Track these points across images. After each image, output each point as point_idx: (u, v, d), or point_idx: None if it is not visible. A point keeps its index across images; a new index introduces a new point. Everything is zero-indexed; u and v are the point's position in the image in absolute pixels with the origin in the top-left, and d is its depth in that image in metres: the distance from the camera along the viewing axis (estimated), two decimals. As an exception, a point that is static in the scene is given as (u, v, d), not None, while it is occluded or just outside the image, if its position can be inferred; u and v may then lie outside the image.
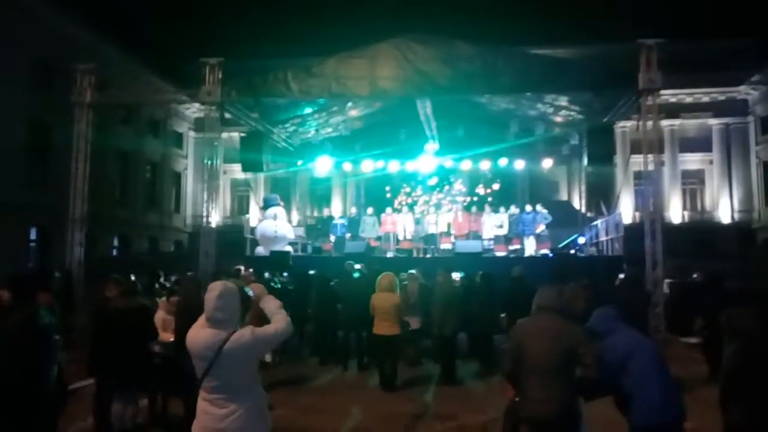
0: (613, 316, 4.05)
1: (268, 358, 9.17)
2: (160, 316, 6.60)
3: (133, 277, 7.22)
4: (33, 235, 22.50)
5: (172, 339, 6.19)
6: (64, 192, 15.87)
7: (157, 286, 8.90)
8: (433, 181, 19.56)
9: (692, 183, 30.87)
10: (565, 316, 4.00)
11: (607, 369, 3.79)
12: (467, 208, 18.42)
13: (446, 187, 19.68)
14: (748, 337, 3.84)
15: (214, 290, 3.35)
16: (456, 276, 11.07)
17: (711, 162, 30.47)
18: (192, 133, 34.06)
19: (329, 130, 19.22)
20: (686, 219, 30.26)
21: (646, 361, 3.77)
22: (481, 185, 19.62)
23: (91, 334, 6.18)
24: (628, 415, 3.77)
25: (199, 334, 3.34)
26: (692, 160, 30.57)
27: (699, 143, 30.20)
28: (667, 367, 3.92)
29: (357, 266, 10.93)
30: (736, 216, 29.89)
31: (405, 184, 20.07)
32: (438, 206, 18.98)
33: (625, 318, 4.08)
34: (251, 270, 10.18)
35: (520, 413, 3.98)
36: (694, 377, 8.81)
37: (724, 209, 30.00)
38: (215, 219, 15.72)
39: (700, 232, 28.31)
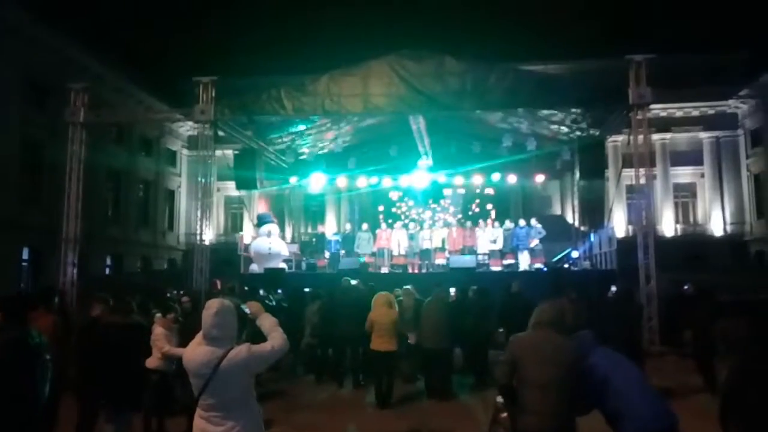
0: (589, 339, 4.12)
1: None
2: (159, 332, 6.56)
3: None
4: (25, 255, 22.35)
5: (176, 351, 6.10)
6: (57, 211, 15.84)
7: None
8: (424, 202, 19.65)
9: (684, 196, 31.06)
10: (562, 332, 4.07)
11: (588, 390, 3.86)
12: (461, 224, 18.45)
13: (441, 203, 19.73)
14: (744, 351, 3.87)
15: (212, 308, 3.35)
16: (451, 291, 11.09)
17: (702, 175, 30.67)
18: (185, 151, 34.07)
19: (323, 146, 19.30)
20: (679, 232, 30.41)
21: (626, 378, 3.83)
22: (476, 202, 19.64)
23: (77, 354, 6.10)
24: (619, 431, 3.80)
25: (196, 351, 3.33)
26: (684, 174, 30.78)
27: (690, 157, 30.42)
28: (648, 380, 3.96)
29: (353, 282, 10.93)
30: (728, 228, 30.06)
31: (399, 199, 20.11)
32: (433, 221, 19.01)
33: (602, 340, 4.15)
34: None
35: (515, 426, 3.99)
36: (685, 389, 8.83)
37: (716, 222, 30.18)
38: (209, 237, 15.71)
39: (693, 245, 28.42)
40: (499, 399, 4.37)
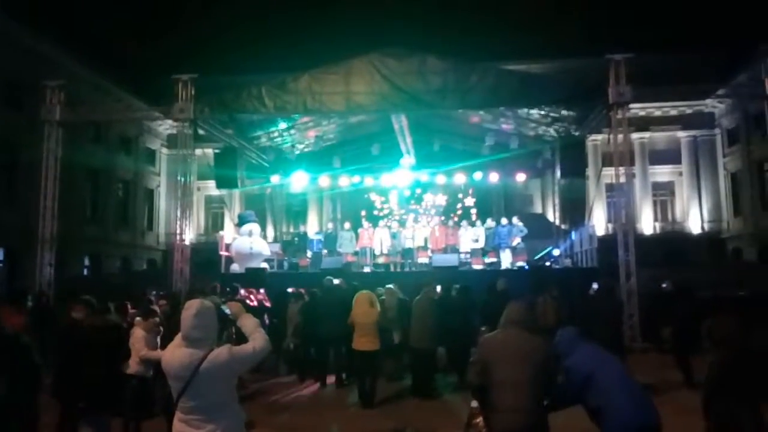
0: (574, 336, 4.15)
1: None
2: (138, 335, 6.41)
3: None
4: (0, 256, 21.91)
5: (153, 355, 6.00)
6: (33, 211, 15.56)
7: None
8: (409, 193, 19.61)
9: (662, 194, 31.43)
10: (532, 331, 4.10)
11: (572, 387, 3.90)
12: (444, 223, 18.46)
13: (423, 203, 19.70)
14: (730, 345, 3.93)
15: (191, 308, 3.28)
16: (438, 289, 11.09)
17: (680, 174, 31.08)
18: (165, 150, 33.67)
19: (305, 145, 19.21)
20: (657, 230, 30.77)
21: (610, 375, 3.86)
22: (459, 201, 19.64)
23: (57, 356, 5.99)
24: (602, 427, 3.83)
25: (175, 353, 3.26)
26: (662, 172, 31.15)
27: (668, 155, 30.80)
28: (632, 377, 4.00)
29: (336, 281, 10.86)
30: (706, 226, 30.50)
31: (381, 198, 20.06)
32: (415, 220, 18.99)
33: (586, 336, 4.19)
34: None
35: (489, 426, 3.99)
36: (666, 384, 8.93)
37: (694, 220, 30.60)
38: (189, 236, 15.54)
39: (672, 243, 28.78)
40: (474, 404, 4.40)
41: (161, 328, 6.84)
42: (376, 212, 19.53)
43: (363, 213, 19.57)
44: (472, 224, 17.78)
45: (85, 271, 26.80)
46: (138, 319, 6.80)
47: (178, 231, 15.05)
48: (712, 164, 30.67)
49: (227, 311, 3.62)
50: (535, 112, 15.89)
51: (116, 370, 5.85)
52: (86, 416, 5.70)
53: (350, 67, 13.90)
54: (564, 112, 15.34)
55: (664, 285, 11.67)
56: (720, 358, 3.94)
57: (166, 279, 14.75)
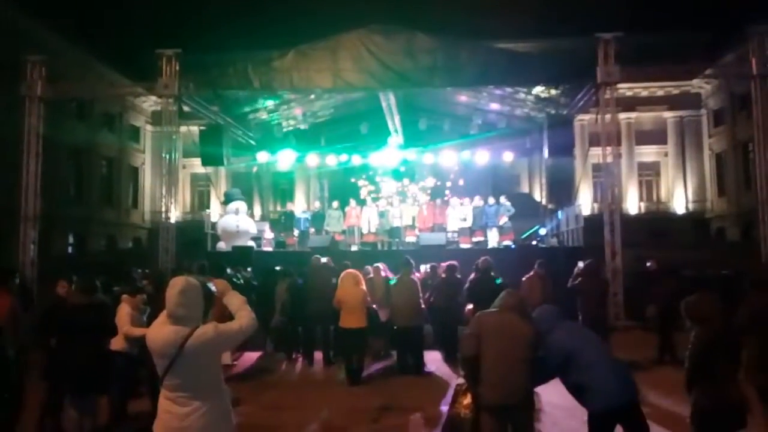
0: (553, 314, 4.31)
1: (227, 359, 8.98)
2: (124, 312, 6.33)
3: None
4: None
5: (136, 332, 5.94)
6: (15, 189, 15.33)
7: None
8: (394, 180, 19.56)
9: (648, 174, 31.66)
10: (524, 316, 4.34)
11: (553, 364, 4.04)
12: (431, 202, 18.44)
13: (411, 181, 19.65)
14: (708, 323, 4.01)
15: (176, 286, 3.24)
16: (426, 267, 11.12)
17: (666, 154, 31.29)
18: (149, 127, 33.24)
19: (292, 123, 19.04)
20: (643, 210, 31.04)
21: (591, 352, 3.97)
22: (447, 180, 19.62)
23: (41, 336, 5.91)
24: (584, 404, 3.91)
25: (161, 331, 3.23)
26: (648, 153, 31.33)
27: (654, 136, 30.96)
28: (612, 354, 4.10)
29: (323, 260, 10.83)
30: (691, 206, 30.81)
31: (369, 177, 19.98)
32: (403, 200, 18.95)
33: (566, 314, 4.39)
34: None
35: (478, 400, 4.19)
36: (649, 362, 9.10)
37: (679, 200, 30.88)
38: (175, 215, 15.43)
39: (657, 222, 29.06)
40: (460, 381, 4.53)
41: (146, 305, 6.79)
42: (363, 195, 19.44)
43: (351, 189, 19.51)
44: (460, 203, 17.78)
45: (70, 250, 26.56)
46: (125, 296, 6.74)
47: (163, 209, 14.92)
48: (698, 145, 30.91)
49: (213, 289, 3.58)
50: (524, 92, 15.82)
51: (102, 350, 5.80)
52: (72, 397, 5.64)
53: (337, 43, 13.72)
54: (553, 92, 15.29)
55: (648, 264, 11.76)
56: (701, 336, 4.02)
57: (152, 257, 14.65)
